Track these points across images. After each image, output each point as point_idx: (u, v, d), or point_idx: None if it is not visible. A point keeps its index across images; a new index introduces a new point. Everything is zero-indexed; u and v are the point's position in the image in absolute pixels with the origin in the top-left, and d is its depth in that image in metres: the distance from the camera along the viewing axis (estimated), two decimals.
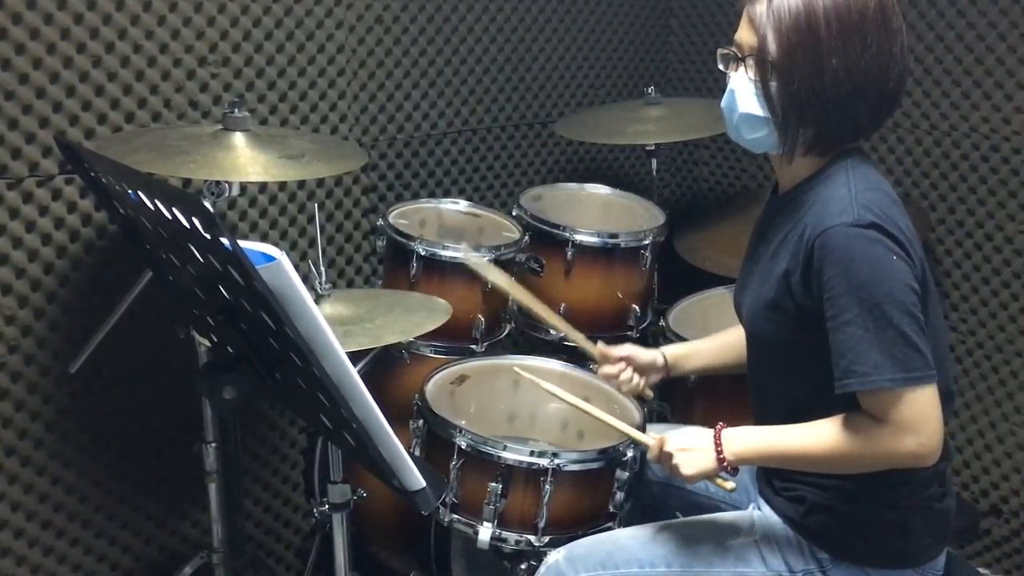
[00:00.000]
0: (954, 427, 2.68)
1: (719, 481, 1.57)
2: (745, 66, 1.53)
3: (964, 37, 2.53)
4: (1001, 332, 2.59)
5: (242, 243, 1.05)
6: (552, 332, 2.38)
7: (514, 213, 2.46)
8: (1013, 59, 2.46)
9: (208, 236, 1.04)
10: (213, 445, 2.07)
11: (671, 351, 1.91)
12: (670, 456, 1.57)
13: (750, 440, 1.55)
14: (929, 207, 2.67)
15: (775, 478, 1.65)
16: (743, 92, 1.53)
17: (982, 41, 2.51)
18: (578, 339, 1.94)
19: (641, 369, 1.89)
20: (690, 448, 1.56)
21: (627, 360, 1.88)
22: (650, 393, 1.93)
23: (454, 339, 2.21)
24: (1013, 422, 2.61)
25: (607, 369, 1.90)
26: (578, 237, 2.35)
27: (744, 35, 1.52)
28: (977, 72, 2.53)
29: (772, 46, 1.47)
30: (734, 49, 1.54)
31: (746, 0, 1.52)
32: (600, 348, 1.91)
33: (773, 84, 1.49)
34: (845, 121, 1.50)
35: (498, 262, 2.25)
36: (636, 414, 1.99)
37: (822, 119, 1.49)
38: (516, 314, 2.40)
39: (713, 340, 1.91)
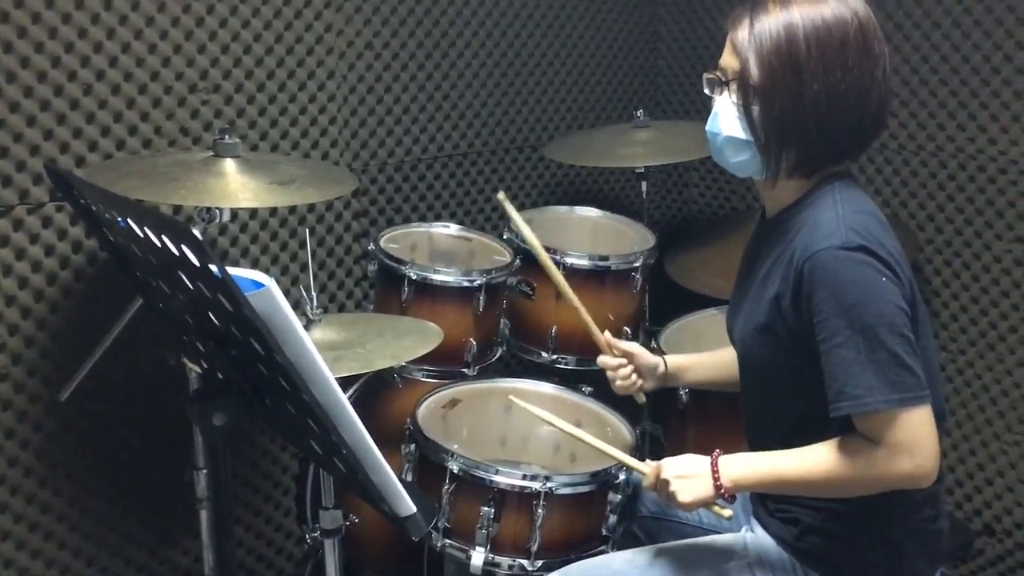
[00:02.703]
0: (946, 446, 2.68)
1: (716, 508, 1.56)
2: (729, 90, 1.54)
3: (949, 59, 2.56)
4: (991, 351, 2.60)
5: (231, 270, 1.05)
6: (544, 354, 2.38)
7: (505, 236, 2.46)
8: (998, 80, 2.49)
9: (197, 263, 1.04)
10: (204, 471, 2.06)
11: (673, 360, 1.91)
12: (667, 484, 1.56)
13: (747, 466, 1.54)
14: (917, 227, 2.68)
15: (769, 500, 1.65)
16: (727, 116, 1.55)
17: (967, 62, 2.53)
18: (587, 322, 1.91)
19: (641, 370, 1.88)
20: (687, 475, 1.55)
21: (630, 356, 1.87)
22: (642, 397, 1.92)
23: (446, 363, 2.21)
24: (1005, 441, 2.61)
25: (607, 360, 1.89)
26: (569, 260, 2.35)
27: (728, 60, 1.54)
28: (963, 93, 2.55)
29: (754, 70, 1.48)
30: (718, 73, 1.56)
31: (730, 25, 1.53)
32: (607, 337, 1.90)
33: (755, 108, 1.50)
34: (827, 145, 1.51)
35: (490, 286, 2.26)
36: (629, 437, 1.99)
37: (804, 143, 1.50)
38: (508, 338, 2.40)
39: (713, 355, 1.91)
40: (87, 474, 2.20)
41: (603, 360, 1.90)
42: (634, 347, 1.89)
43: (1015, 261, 2.52)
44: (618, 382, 1.88)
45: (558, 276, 1.95)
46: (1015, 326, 2.55)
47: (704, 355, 1.93)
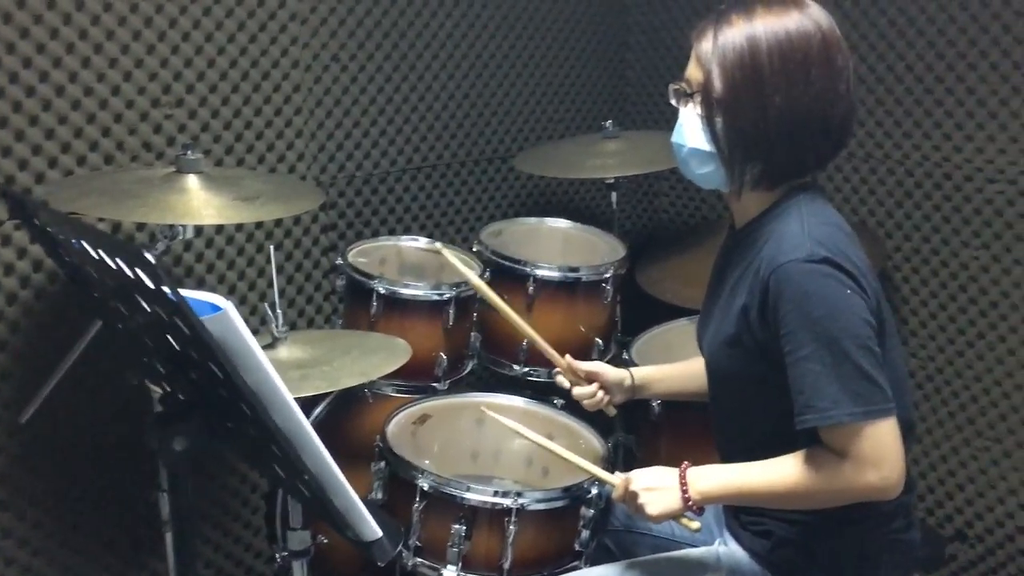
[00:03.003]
0: (916, 453, 2.69)
1: (684, 521, 1.56)
2: (693, 102, 1.54)
3: (914, 68, 2.58)
4: (960, 357, 2.62)
5: (188, 293, 1.03)
6: (515, 367, 2.37)
7: (474, 249, 2.45)
8: (962, 89, 2.51)
9: (151, 286, 1.02)
10: (168, 493, 2.02)
11: (640, 372, 1.91)
12: (635, 496, 1.56)
13: (715, 479, 1.54)
14: (885, 235, 2.70)
15: (742, 512, 1.64)
16: (691, 127, 1.55)
17: (932, 71, 2.55)
18: (546, 349, 1.91)
19: (607, 387, 1.87)
20: (655, 488, 1.55)
21: (594, 376, 1.87)
22: (612, 411, 1.92)
23: (416, 377, 2.19)
24: (975, 447, 2.63)
25: (568, 384, 1.88)
26: (539, 272, 2.34)
27: (692, 71, 1.54)
28: (928, 102, 2.57)
29: (717, 83, 1.49)
30: (684, 85, 1.56)
31: (695, 37, 1.53)
32: (568, 361, 1.89)
33: (719, 120, 1.50)
34: (791, 157, 1.51)
35: (459, 299, 2.24)
36: (601, 449, 1.98)
37: (767, 155, 1.50)
38: (479, 351, 2.38)
39: (681, 366, 1.91)
40: (50, 497, 2.15)
41: (564, 384, 1.89)
42: (597, 366, 1.88)
43: (981, 268, 2.54)
44: (584, 402, 1.88)
45: (511, 314, 1.93)
46: (982, 332, 2.57)
47: (673, 366, 1.93)
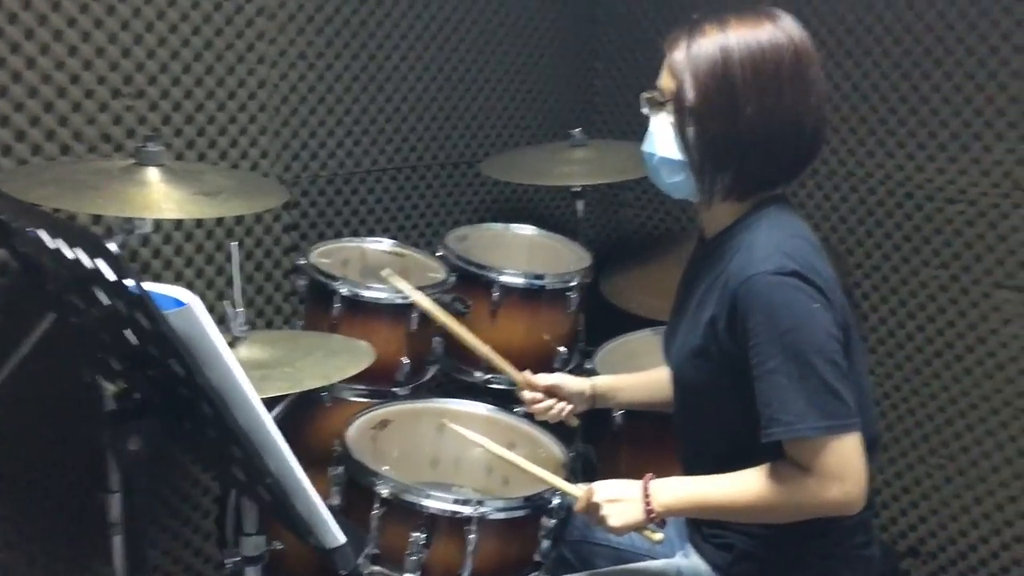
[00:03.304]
0: (872, 469, 2.71)
1: (646, 533, 1.55)
2: (665, 110, 1.53)
3: (878, 87, 2.61)
4: (917, 375, 2.64)
5: (151, 286, 0.99)
6: (477, 374, 2.34)
7: (439, 253, 2.42)
8: (926, 110, 2.54)
9: (113, 278, 0.98)
10: (117, 495, 1.96)
11: (600, 382, 1.90)
12: (598, 507, 1.54)
13: (678, 491, 1.53)
14: (847, 251, 2.72)
15: (704, 525, 1.63)
16: (662, 136, 1.55)
17: (896, 91, 2.58)
18: (503, 365, 1.91)
19: (567, 398, 1.87)
20: (618, 499, 1.53)
21: (553, 389, 1.86)
22: (575, 421, 1.91)
23: (377, 382, 2.15)
24: (930, 464, 2.65)
25: (530, 395, 1.87)
26: (504, 278, 2.32)
27: (665, 80, 1.54)
28: (891, 122, 2.60)
29: (689, 92, 1.48)
30: (656, 94, 1.55)
31: (668, 46, 1.53)
32: (525, 376, 1.88)
33: (690, 130, 1.50)
34: (761, 168, 1.51)
35: None
36: (562, 458, 1.96)
37: (738, 166, 1.50)
38: (442, 356, 2.35)
39: (644, 376, 1.90)
40: None
41: (526, 397, 1.88)
42: (555, 378, 1.88)
43: (941, 287, 2.58)
44: (545, 415, 1.88)
45: (466, 334, 1.93)
46: (940, 351, 2.60)
47: (635, 376, 1.93)
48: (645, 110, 1.58)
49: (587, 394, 1.87)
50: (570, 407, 1.87)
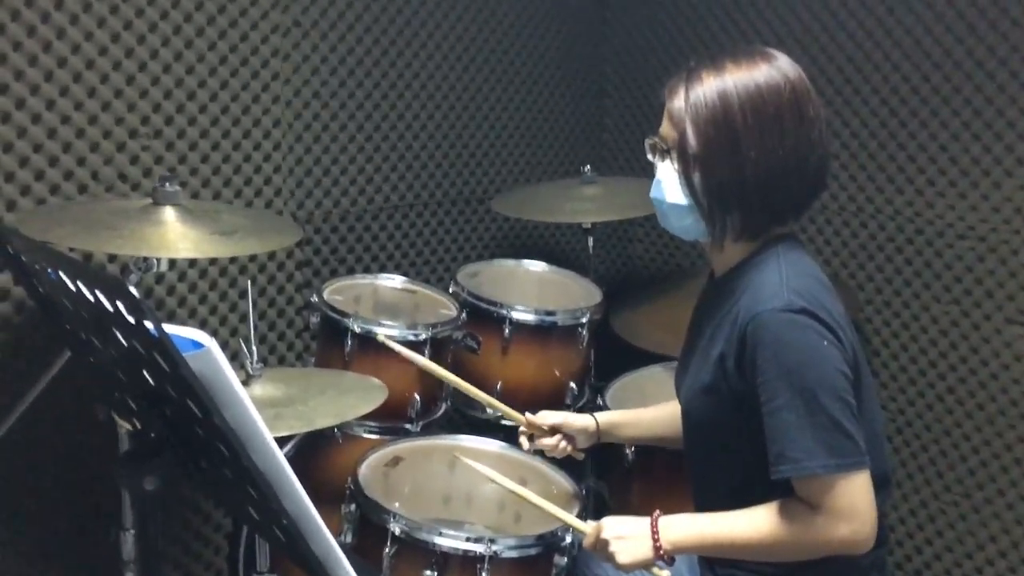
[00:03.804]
0: (885, 507, 2.69)
1: (654, 570, 1.55)
2: (670, 158, 1.55)
3: (887, 124, 2.63)
4: (929, 411, 2.63)
5: (169, 328, 1.00)
6: (488, 411, 2.35)
7: (451, 290, 2.44)
8: (935, 146, 2.55)
9: (132, 321, 0.99)
10: (131, 532, 1.96)
11: (604, 418, 1.91)
12: (606, 544, 1.54)
13: (686, 528, 1.53)
14: (857, 287, 2.73)
15: (717, 564, 1.63)
16: (669, 183, 1.56)
17: (905, 127, 2.60)
18: (504, 410, 1.94)
19: (571, 436, 1.89)
20: (626, 536, 1.54)
21: (556, 429, 1.88)
22: (581, 455, 1.93)
23: (389, 418, 2.16)
24: (943, 500, 2.64)
25: (527, 443, 1.90)
26: (515, 315, 2.33)
27: (666, 129, 1.55)
28: (901, 158, 2.62)
29: (692, 140, 1.50)
30: (658, 141, 1.57)
31: (667, 95, 1.55)
32: (528, 418, 1.90)
33: (696, 176, 1.51)
34: (769, 208, 1.53)
35: (435, 340, 2.22)
36: (574, 495, 1.96)
37: (746, 207, 1.51)
38: (452, 392, 2.36)
39: (649, 412, 1.91)
40: (7, 533, 2.08)
41: (524, 442, 1.91)
42: (557, 417, 1.89)
43: (952, 322, 2.58)
44: (550, 453, 1.90)
45: (461, 383, 1.97)
46: (952, 387, 2.59)
47: (641, 411, 1.94)
48: (650, 156, 1.60)
49: (591, 430, 1.88)
50: (571, 445, 1.89)
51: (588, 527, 1.60)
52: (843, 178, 2.71)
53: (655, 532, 1.52)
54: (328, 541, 1.08)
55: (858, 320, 2.69)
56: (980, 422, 2.55)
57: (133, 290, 0.94)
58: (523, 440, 1.91)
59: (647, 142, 1.59)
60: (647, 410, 1.92)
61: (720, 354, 1.51)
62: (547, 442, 1.88)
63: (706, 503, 1.60)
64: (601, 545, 1.55)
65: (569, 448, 1.89)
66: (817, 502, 1.42)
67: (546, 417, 1.89)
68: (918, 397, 2.65)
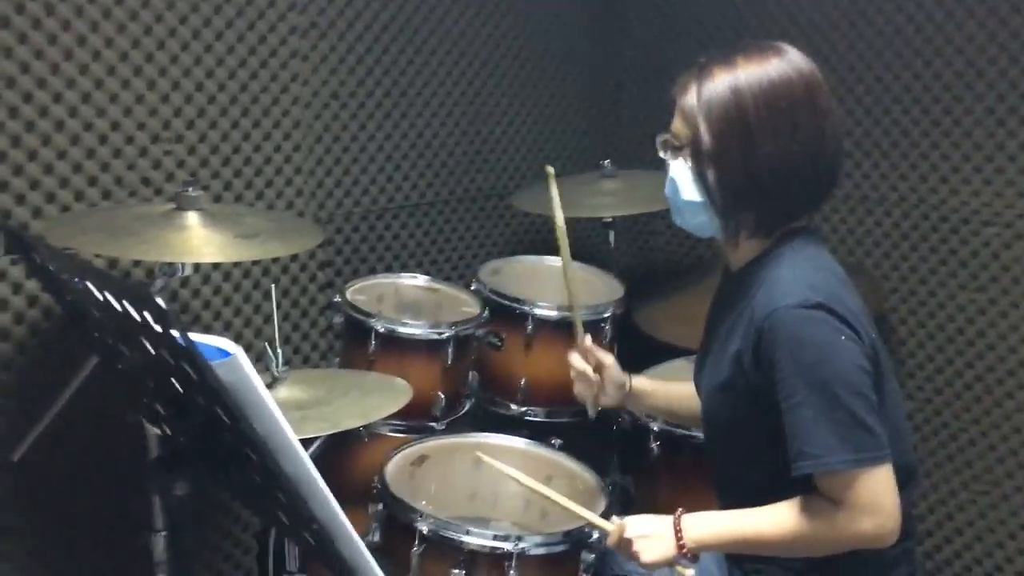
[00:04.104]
0: (913, 499, 2.68)
1: (679, 568, 1.54)
2: (683, 155, 1.54)
3: (910, 111, 2.60)
4: (957, 400, 2.61)
5: (196, 336, 1.01)
6: (513, 407, 2.35)
7: (473, 287, 2.44)
8: (959, 132, 2.53)
9: (159, 330, 1.00)
10: (162, 535, 1.98)
11: (637, 381, 1.91)
12: (630, 543, 1.54)
13: (709, 526, 1.53)
14: (882, 276, 2.70)
15: (745, 560, 1.62)
16: (683, 180, 1.55)
17: (928, 114, 2.57)
18: (575, 318, 1.94)
19: (607, 382, 1.88)
20: (650, 535, 1.54)
21: (601, 367, 1.88)
22: (593, 412, 1.91)
23: (414, 417, 2.17)
24: (972, 490, 2.61)
25: (578, 361, 1.89)
26: (538, 311, 2.33)
27: (678, 126, 1.54)
28: (924, 145, 2.59)
29: (705, 137, 1.49)
30: (671, 138, 1.56)
31: (678, 92, 1.54)
32: (587, 342, 1.90)
33: (709, 173, 1.50)
34: (783, 204, 1.52)
35: (458, 338, 2.22)
36: (599, 491, 1.96)
37: (761, 203, 1.50)
38: (477, 390, 2.36)
39: (678, 386, 1.90)
40: (39, 538, 2.11)
41: (573, 359, 1.90)
42: (608, 359, 1.89)
43: (979, 310, 2.55)
44: (576, 385, 1.89)
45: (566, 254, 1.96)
46: (980, 375, 2.56)
47: (670, 384, 1.94)
48: (662, 154, 1.59)
49: (624, 387, 1.88)
50: (602, 388, 1.88)
51: (611, 525, 1.60)
52: (866, 166, 2.69)
53: (678, 530, 1.52)
54: (357, 544, 1.09)
55: (883, 310, 2.67)
56: (1009, 411, 2.53)
57: (159, 300, 0.95)
58: (574, 358, 1.89)
59: (659, 139, 1.58)
60: (675, 384, 1.92)
61: (736, 351, 1.51)
62: (587, 376, 1.87)
63: (730, 499, 1.60)
64: (625, 544, 1.55)
65: (597, 392, 1.87)
66: (839, 497, 1.41)
67: (598, 352, 1.89)
68: (945, 386, 2.63)
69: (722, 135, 1.47)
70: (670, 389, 1.91)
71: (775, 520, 1.48)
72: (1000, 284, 2.51)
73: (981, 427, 2.58)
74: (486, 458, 1.82)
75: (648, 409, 1.96)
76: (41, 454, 2.06)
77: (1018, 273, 2.48)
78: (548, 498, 1.71)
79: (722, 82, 1.48)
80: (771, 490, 1.50)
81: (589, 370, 1.87)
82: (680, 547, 1.51)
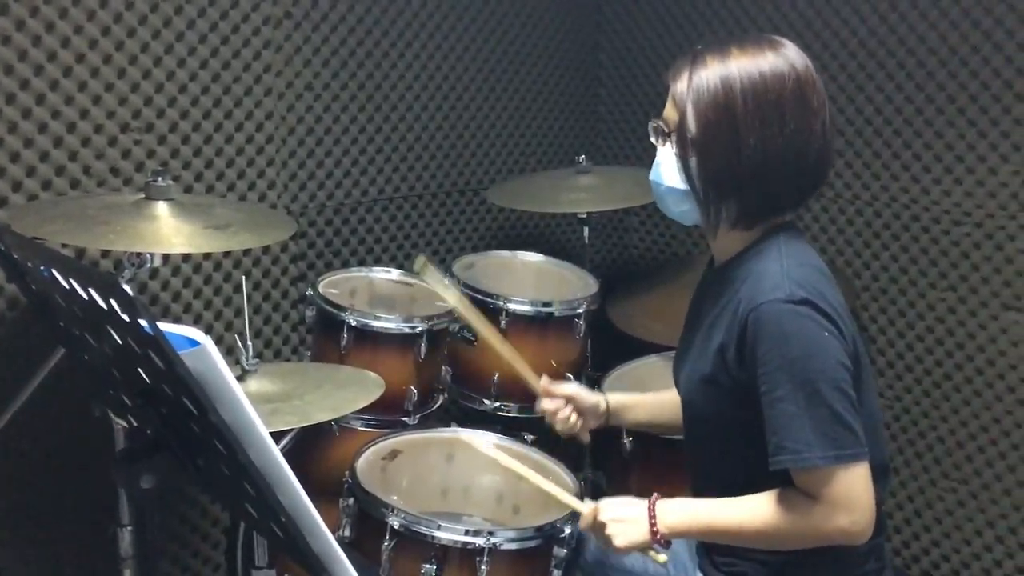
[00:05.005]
0: (883, 494, 2.70)
1: (651, 553, 1.55)
2: (670, 141, 1.54)
3: (883, 111, 2.62)
4: (926, 397, 2.64)
5: (164, 326, 1.00)
6: (486, 402, 2.34)
7: (446, 281, 2.42)
8: (930, 132, 2.55)
9: (126, 319, 0.98)
10: (128, 529, 1.96)
11: (614, 399, 1.89)
12: (603, 526, 1.54)
13: (684, 513, 1.53)
14: (854, 275, 2.72)
15: (716, 553, 1.63)
16: (668, 166, 1.55)
17: (900, 114, 2.59)
18: (523, 370, 1.90)
19: (582, 411, 1.85)
20: (624, 519, 1.54)
21: (570, 399, 1.85)
22: (586, 436, 1.90)
23: (385, 411, 2.15)
24: (942, 487, 2.64)
25: (547, 404, 1.86)
26: (511, 306, 2.33)
27: (669, 111, 1.54)
28: (896, 144, 2.61)
29: (691, 123, 1.49)
30: (661, 124, 1.56)
31: (671, 77, 1.54)
32: (544, 383, 1.87)
33: (693, 160, 1.50)
34: (765, 197, 1.51)
35: (431, 332, 2.21)
36: (572, 485, 1.95)
37: (741, 195, 1.50)
38: (450, 385, 2.35)
39: (656, 396, 1.89)
40: (3, 529, 2.08)
41: (543, 406, 1.87)
42: (573, 388, 1.87)
43: (948, 309, 2.57)
44: (558, 426, 1.86)
45: (487, 332, 1.92)
46: (949, 373, 2.59)
47: (647, 395, 1.92)
48: (652, 139, 1.59)
49: (600, 409, 1.86)
50: (581, 421, 1.85)
51: (585, 508, 1.60)
52: (839, 165, 2.70)
53: (652, 516, 1.52)
54: (326, 537, 1.08)
55: (855, 307, 2.69)
56: (977, 409, 2.55)
57: (127, 288, 0.93)
58: (544, 403, 1.85)
59: (651, 124, 1.58)
60: (652, 395, 1.91)
61: (720, 345, 1.51)
62: (562, 414, 1.84)
63: (705, 493, 1.60)
64: (598, 527, 1.55)
65: (578, 424, 1.85)
66: (816, 493, 1.42)
67: (562, 386, 1.87)
68: (915, 384, 2.65)
69: (708, 124, 1.47)
70: (650, 401, 1.89)
71: (750, 511, 1.48)
72: (969, 283, 2.53)
73: (950, 424, 2.60)
74: (464, 437, 1.79)
75: (631, 424, 1.94)
76: (5, 447, 2.02)
77: (987, 272, 2.50)
78: (524, 478, 1.70)
79: (713, 71, 1.48)
80: (747, 483, 1.50)
81: (561, 405, 1.85)
82: (653, 533, 1.51)
